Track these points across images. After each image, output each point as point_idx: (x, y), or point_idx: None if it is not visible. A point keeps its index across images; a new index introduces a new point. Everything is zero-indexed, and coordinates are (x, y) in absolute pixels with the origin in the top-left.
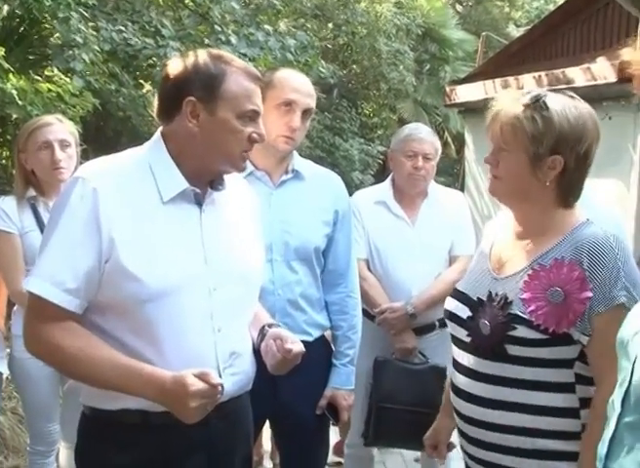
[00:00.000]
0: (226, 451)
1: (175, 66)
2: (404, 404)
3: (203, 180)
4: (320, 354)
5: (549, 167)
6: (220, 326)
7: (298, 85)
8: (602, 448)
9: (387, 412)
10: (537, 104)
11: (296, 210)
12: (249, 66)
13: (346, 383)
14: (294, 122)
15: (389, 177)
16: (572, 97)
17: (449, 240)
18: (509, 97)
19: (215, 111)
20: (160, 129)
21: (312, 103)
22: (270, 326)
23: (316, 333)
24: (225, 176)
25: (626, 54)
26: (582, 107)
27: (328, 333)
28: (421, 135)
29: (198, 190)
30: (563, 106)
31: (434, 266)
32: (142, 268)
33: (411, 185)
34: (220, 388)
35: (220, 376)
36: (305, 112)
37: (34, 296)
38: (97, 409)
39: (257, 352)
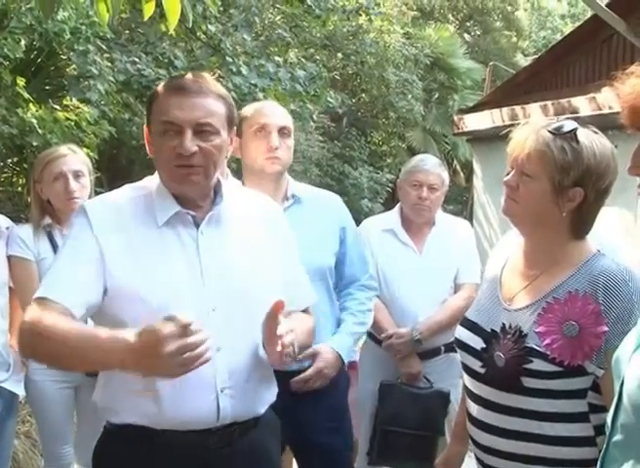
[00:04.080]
0: None
1: None
2: (408, 427)
3: (193, 202)
4: (338, 378)
5: (569, 198)
6: (221, 345)
7: (267, 110)
8: (598, 466)
9: (392, 435)
10: (567, 135)
11: (301, 234)
12: (181, 79)
13: (337, 345)
14: (272, 141)
15: (397, 206)
16: (595, 132)
17: (454, 268)
18: (538, 124)
19: (153, 132)
20: None
21: (285, 122)
22: None
23: None
24: (253, 196)
25: (605, 92)
26: (606, 143)
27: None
28: (427, 166)
29: (193, 213)
30: (591, 141)
31: (440, 293)
32: (137, 291)
33: (416, 214)
34: (193, 327)
35: (219, 397)
36: (282, 131)
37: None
38: (109, 422)
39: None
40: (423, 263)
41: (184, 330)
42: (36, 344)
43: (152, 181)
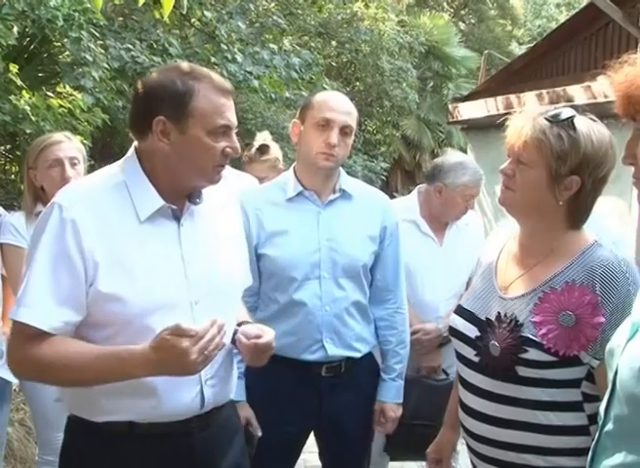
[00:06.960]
0: (210, 461)
1: (145, 84)
2: (428, 419)
3: (179, 195)
4: (367, 371)
5: (566, 187)
6: None
7: (334, 104)
8: (589, 455)
9: (417, 429)
10: (564, 123)
11: (343, 228)
12: (220, 80)
13: (396, 397)
14: (331, 139)
15: (415, 195)
16: (594, 119)
17: (472, 261)
18: (535, 111)
19: (185, 129)
20: (134, 144)
21: (350, 121)
22: (240, 324)
23: (364, 349)
24: (207, 188)
25: (601, 81)
26: (604, 131)
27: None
28: (479, 179)
29: (175, 207)
30: (589, 129)
31: (457, 286)
32: (125, 290)
33: (455, 218)
34: (202, 330)
35: (203, 388)
36: (344, 129)
37: (19, 324)
38: (86, 419)
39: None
40: (444, 255)
41: (195, 336)
42: (40, 378)
43: (116, 172)
